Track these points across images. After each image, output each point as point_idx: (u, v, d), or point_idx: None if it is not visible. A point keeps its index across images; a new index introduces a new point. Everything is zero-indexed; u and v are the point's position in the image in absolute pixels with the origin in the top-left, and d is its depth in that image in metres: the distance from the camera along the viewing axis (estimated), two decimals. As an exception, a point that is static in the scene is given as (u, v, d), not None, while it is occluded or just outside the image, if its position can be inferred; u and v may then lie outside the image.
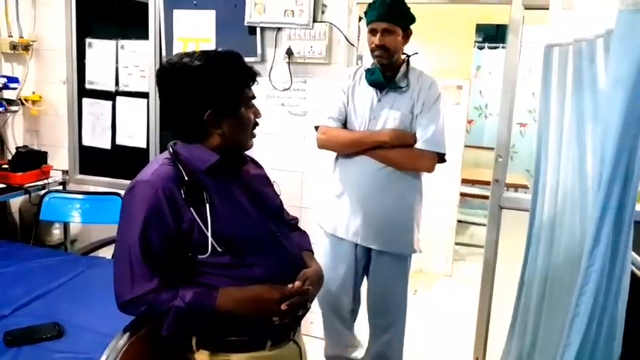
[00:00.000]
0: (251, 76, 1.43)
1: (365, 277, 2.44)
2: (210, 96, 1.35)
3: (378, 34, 2.15)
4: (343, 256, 2.35)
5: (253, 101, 1.47)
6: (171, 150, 1.42)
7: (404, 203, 2.29)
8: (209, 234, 1.32)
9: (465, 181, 4.88)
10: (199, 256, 1.34)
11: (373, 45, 2.18)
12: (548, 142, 2.04)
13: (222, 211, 1.36)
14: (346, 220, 2.31)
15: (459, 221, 5.00)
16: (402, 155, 2.22)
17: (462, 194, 5.06)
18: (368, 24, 2.21)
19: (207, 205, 1.33)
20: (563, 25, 1.86)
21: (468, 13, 4.26)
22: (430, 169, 2.25)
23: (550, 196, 2.07)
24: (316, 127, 2.38)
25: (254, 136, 1.50)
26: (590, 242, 1.56)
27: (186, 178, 1.34)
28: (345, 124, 2.33)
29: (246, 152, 1.57)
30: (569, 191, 1.92)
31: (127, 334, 1.35)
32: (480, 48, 5.73)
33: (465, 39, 4.57)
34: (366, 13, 2.24)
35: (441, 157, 2.25)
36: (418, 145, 2.21)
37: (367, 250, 2.34)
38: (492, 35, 6.01)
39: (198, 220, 1.32)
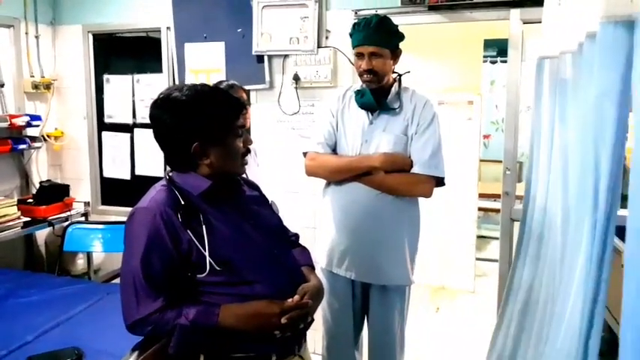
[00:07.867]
0: (237, 107, 1.47)
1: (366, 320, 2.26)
2: (195, 128, 1.40)
3: (365, 58, 2.01)
4: (340, 294, 2.18)
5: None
6: (167, 177, 1.48)
7: (400, 232, 2.10)
8: (207, 254, 1.37)
9: (485, 196, 4.85)
10: (198, 276, 1.38)
11: (361, 69, 2.04)
12: (540, 153, 2.06)
13: (219, 232, 1.41)
14: (339, 253, 2.13)
15: (480, 237, 4.97)
16: (398, 180, 2.03)
17: (483, 209, 5.03)
18: (354, 47, 2.06)
19: (204, 227, 1.39)
20: (553, 37, 1.88)
21: (475, 30, 4.28)
22: (428, 195, 2.06)
23: (539, 206, 2.07)
24: (304, 153, 2.20)
25: (245, 163, 1.54)
26: (599, 250, 1.53)
27: (182, 202, 1.40)
28: (335, 149, 2.16)
29: (247, 174, 1.62)
30: (554, 202, 1.91)
31: (136, 352, 1.39)
32: (493, 62, 5.77)
33: (473, 55, 4.59)
34: (351, 34, 2.08)
35: (439, 181, 2.07)
36: (415, 170, 2.02)
37: (365, 285, 2.17)
38: (505, 49, 6.01)
39: (195, 241, 1.37)
